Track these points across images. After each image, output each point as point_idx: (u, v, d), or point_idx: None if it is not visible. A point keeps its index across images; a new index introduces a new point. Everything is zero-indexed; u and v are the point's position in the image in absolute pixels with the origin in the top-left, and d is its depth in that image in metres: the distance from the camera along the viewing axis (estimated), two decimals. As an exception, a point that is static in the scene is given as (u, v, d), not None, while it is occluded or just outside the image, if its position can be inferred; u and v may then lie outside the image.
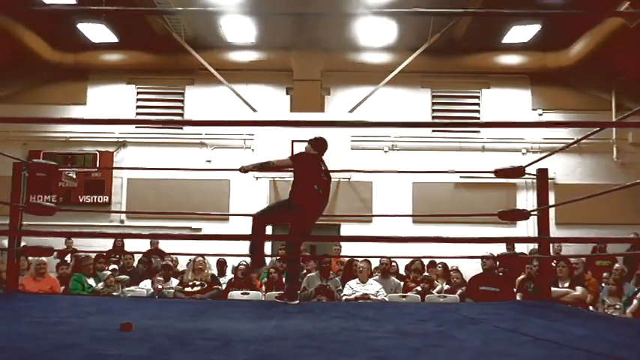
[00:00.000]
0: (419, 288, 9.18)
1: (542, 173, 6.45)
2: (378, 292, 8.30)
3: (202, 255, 8.68)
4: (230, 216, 13.30)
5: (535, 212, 6.40)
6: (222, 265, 10.81)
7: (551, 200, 6.85)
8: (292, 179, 6.47)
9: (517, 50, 13.74)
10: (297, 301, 6.21)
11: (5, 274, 6.77)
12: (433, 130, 14.34)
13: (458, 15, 12.26)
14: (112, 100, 14.64)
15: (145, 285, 9.38)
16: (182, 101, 14.78)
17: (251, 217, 6.25)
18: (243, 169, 6.43)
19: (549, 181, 6.65)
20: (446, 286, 9.61)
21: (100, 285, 8.90)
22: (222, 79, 13.59)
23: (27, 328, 3.78)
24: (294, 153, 6.93)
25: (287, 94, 14.49)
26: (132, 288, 9.21)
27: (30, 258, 9.57)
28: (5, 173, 6.71)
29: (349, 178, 13.46)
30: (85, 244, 12.42)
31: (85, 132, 14.25)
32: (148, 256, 11.08)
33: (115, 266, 10.39)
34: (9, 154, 6.43)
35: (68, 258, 11.44)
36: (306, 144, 6.68)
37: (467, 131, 14.36)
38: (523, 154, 13.99)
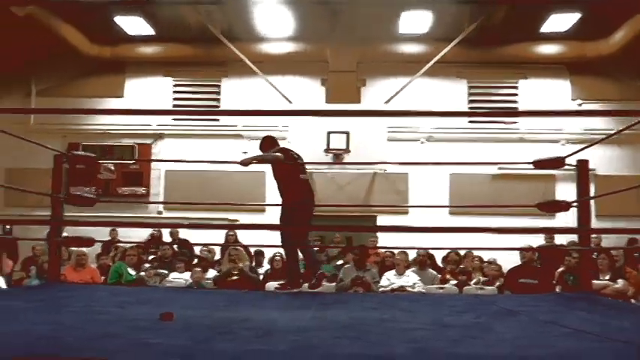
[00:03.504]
0: (456, 280, 9.14)
1: (583, 164, 6.36)
2: (415, 283, 8.29)
3: (237, 246, 8.75)
4: (266, 206, 13.37)
5: (575, 203, 6.32)
6: (259, 255, 10.87)
7: (591, 192, 6.75)
8: (277, 178, 6.65)
9: (555, 39, 13.53)
10: (299, 289, 6.41)
11: (47, 264, 6.89)
12: (470, 121, 14.21)
13: (495, 3, 12.13)
14: (149, 92, 14.78)
15: (183, 275, 9.48)
16: (218, 93, 14.86)
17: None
18: (244, 163, 6.46)
19: (590, 172, 6.55)
20: (483, 279, 9.55)
21: (142, 274, 9.03)
22: (258, 71, 13.62)
23: (69, 317, 3.85)
24: (278, 148, 6.87)
25: (322, 85, 14.47)
26: (170, 278, 9.31)
27: (71, 248, 9.75)
28: (46, 165, 6.82)
29: (385, 170, 13.41)
30: (124, 234, 12.64)
31: (122, 124, 14.40)
32: (170, 246, 11.14)
33: (154, 256, 10.51)
34: (49, 146, 6.53)
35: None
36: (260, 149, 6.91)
37: (504, 122, 14.20)
38: (562, 145, 13.78)
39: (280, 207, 6.69)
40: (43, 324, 3.49)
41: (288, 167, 6.52)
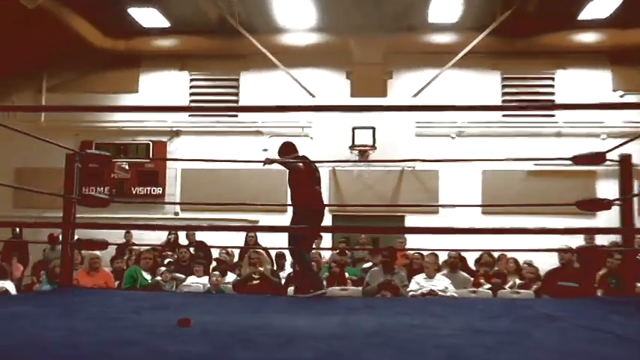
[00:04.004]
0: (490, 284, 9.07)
1: (626, 159, 6.27)
2: (446, 287, 8.24)
3: (258, 248, 8.76)
4: (288, 207, 13.38)
5: (617, 201, 6.24)
6: (281, 258, 10.88)
7: (635, 189, 6.67)
8: (292, 184, 6.90)
9: (595, 27, 13.38)
10: (322, 290, 6.43)
11: (59, 268, 6.93)
12: (504, 115, 14.13)
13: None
14: (164, 87, 14.87)
15: (201, 280, 9.50)
16: (237, 87, 14.91)
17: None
18: (267, 162, 6.78)
19: (633, 168, 6.46)
20: (519, 282, 9.47)
21: (157, 278, 9.07)
22: (279, 64, 13.64)
23: (83, 323, 3.87)
24: (297, 155, 7.14)
25: (347, 78, 14.46)
26: (187, 283, 9.34)
27: (83, 252, 9.82)
28: (58, 165, 6.86)
29: (414, 167, 13.38)
30: (138, 237, 12.69)
31: (137, 121, 14.51)
32: (187, 249, 11.18)
33: (170, 260, 10.55)
34: (61, 145, 6.56)
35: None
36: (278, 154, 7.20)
37: (541, 115, 14.08)
38: (603, 139, 13.65)
39: (292, 214, 6.85)
40: (56, 330, 3.50)
41: (305, 176, 6.76)
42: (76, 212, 6.36)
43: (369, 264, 10.43)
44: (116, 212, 11.50)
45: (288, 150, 7.13)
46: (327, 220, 13.89)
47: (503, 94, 14.38)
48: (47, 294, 6.76)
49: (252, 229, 11.46)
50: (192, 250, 11.34)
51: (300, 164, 6.77)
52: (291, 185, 6.91)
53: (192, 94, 14.94)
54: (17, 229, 12.72)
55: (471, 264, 10.88)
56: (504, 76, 14.49)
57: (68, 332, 3.44)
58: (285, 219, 13.27)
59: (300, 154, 7.12)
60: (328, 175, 13.91)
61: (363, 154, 12.69)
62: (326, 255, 11.58)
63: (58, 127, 13.97)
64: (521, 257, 10.48)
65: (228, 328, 3.70)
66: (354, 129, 12.47)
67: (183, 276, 9.62)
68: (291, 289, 8.55)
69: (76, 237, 6.63)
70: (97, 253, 8.99)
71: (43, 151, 10.86)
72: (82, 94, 14.39)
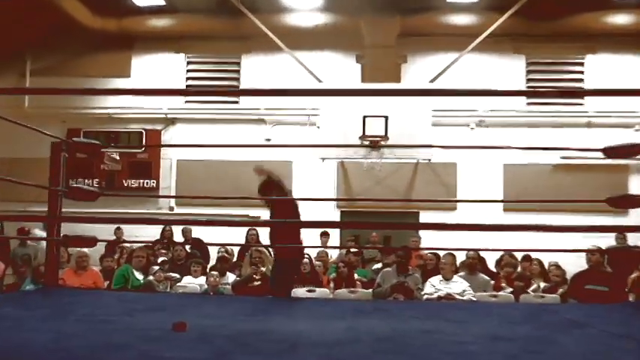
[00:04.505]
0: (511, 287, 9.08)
1: (661, 152, 6.26)
2: (464, 290, 8.24)
3: (260, 247, 8.77)
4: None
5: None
6: (284, 258, 10.89)
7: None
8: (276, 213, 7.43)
9: (629, 8, 13.33)
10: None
11: (44, 267, 6.95)
12: (528, 103, 14.11)
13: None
14: (159, 71, 14.87)
15: (197, 280, 9.53)
16: (237, 72, 14.92)
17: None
18: (257, 168, 7.55)
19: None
20: (543, 285, 9.47)
21: (150, 278, 9.09)
22: (283, 46, 13.62)
23: (72, 326, 3.90)
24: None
25: (357, 62, 14.44)
26: (183, 283, 9.37)
27: (70, 249, 9.86)
28: (43, 154, 6.87)
29: (429, 159, 13.36)
30: (130, 234, 12.71)
31: (129, 107, 14.53)
32: (182, 247, 11.19)
33: (165, 258, 10.58)
34: (46, 132, 6.55)
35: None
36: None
37: (569, 104, 14.04)
38: (636, 130, 13.62)
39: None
40: (43, 333, 3.53)
41: (289, 208, 7.36)
42: (62, 206, 6.38)
43: (380, 265, 10.44)
44: (106, 207, 11.40)
45: (271, 187, 7.62)
46: (335, 217, 13.96)
47: (528, 80, 14.35)
48: (31, 295, 6.80)
49: (253, 224, 11.46)
50: (188, 248, 11.36)
51: (290, 191, 7.50)
52: (274, 211, 7.49)
53: (189, 78, 14.95)
54: (-1, 224, 12.74)
55: (492, 265, 10.87)
56: (529, 60, 14.45)
57: (55, 335, 3.47)
58: (289, 215, 13.33)
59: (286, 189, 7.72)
60: (336, 167, 13.93)
61: (375, 144, 12.67)
62: (333, 254, 11.61)
63: (43, 113, 13.98)
64: (547, 258, 10.47)
65: (227, 332, 3.72)
66: (364, 117, 12.44)
67: (178, 276, 9.64)
68: (300, 291, 8.58)
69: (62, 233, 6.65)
70: (85, 250, 9.02)
71: (26, 140, 10.92)
72: (69, 79, 14.36)
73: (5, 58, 14.26)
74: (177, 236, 12.41)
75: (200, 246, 11.47)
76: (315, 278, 9.40)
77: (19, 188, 6.07)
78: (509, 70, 14.30)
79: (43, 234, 11.55)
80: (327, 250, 11.06)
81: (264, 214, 13.22)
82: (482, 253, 10.31)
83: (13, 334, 3.49)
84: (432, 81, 13.53)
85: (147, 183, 14.44)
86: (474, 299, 8.23)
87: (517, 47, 14.37)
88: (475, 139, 13.84)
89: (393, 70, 13.94)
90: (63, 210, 6.41)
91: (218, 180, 13.50)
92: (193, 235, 12.20)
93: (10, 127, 6.02)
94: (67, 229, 6.69)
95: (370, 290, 8.85)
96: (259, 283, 8.51)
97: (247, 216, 13.41)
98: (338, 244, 13.21)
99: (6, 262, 11.17)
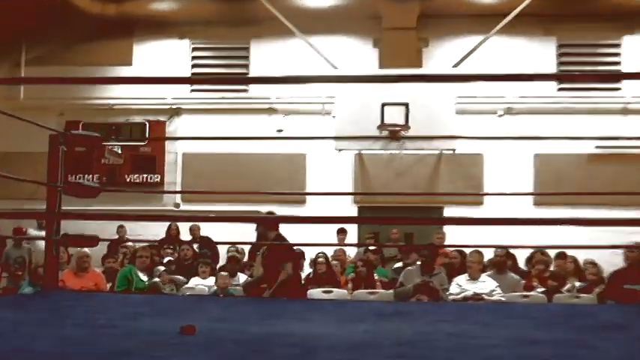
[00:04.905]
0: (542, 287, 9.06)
1: None
2: (492, 290, 8.22)
3: (274, 244, 8.76)
4: (307, 195, 13.42)
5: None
6: (298, 257, 10.90)
7: None
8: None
9: (670, -17, 13.26)
10: None
11: (42, 268, 6.99)
12: (560, 89, 14.04)
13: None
14: (162, 59, 14.89)
15: (206, 281, 9.55)
16: (246, 58, 14.91)
17: None
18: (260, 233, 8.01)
19: None
20: (579, 284, 9.44)
21: (155, 280, 9.12)
22: (296, 30, 13.61)
23: (72, 331, 3.92)
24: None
25: (374, 47, 14.42)
26: (190, 285, 9.40)
27: (70, 249, 9.91)
28: (37, 149, 6.90)
29: (454, 150, 13.32)
30: (133, 232, 12.75)
31: (131, 98, 14.54)
32: (190, 246, 11.20)
33: (171, 258, 10.61)
34: (43, 125, 6.56)
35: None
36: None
37: (604, 89, 13.97)
38: (677, 116, 13.56)
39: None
40: (42, 339, 3.55)
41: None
42: (61, 203, 6.39)
43: (401, 264, 10.42)
44: (107, 203, 11.53)
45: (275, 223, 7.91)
46: (352, 212, 13.95)
47: (559, 64, 14.27)
48: (29, 298, 6.84)
49: (265, 221, 11.43)
50: (196, 247, 11.39)
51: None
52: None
53: (194, 66, 14.97)
54: (-6, 224, 12.80)
55: (522, 263, 10.85)
56: (560, 42, 14.37)
57: (55, 341, 3.49)
58: (304, 210, 13.37)
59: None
60: (353, 159, 13.91)
61: (394, 134, 12.64)
62: (351, 253, 11.60)
63: (40, 105, 14.01)
64: (582, 255, 10.42)
65: (238, 336, 3.73)
66: (383, 105, 12.41)
67: (183, 279, 9.66)
68: (316, 292, 8.60)
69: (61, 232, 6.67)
70: (87, 250, 9.05)
71: (21, 133, 10.98)
72: (66, 68, 14.38)
73: (-1, 47, 14.33)
74: (184, 235, 12.44)
75: (209, 245, 11.49)
76: (331, 278, 9.40)
77: (13, 185, 6.10)
78: (539, 53, 14.22)
79: (38, 234, 11.63)
80: (345, 249, 11.06)
81: (277, 210, 13.29)
82: (511, 251, 10.29)
83: (9, 340, 3.50)
84: (455, 66, 13.48)
85: (150, 178, 14.47)
86: (503, 300, 8.21)
87: (547, 28, 14.29)
88: (503, 127, 13.79)
89: (413, 54, 13.91)
90: (62, 207, 6.43)
91: (226, 174, 13.52)
92: (201, 234, 12.23)
93: (5, 119, 6.05)
94: (67, 227, 6.71)
95: (391, 291, 8.84)
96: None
97: (258, 212, 13.41)
98: (356, 242, 13.19)
99: (0, 264, 11.25)
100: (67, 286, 8.24)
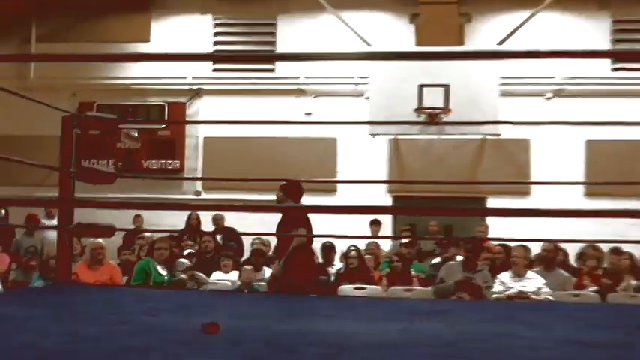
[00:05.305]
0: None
1: None
2: (539, 288, 8.18)
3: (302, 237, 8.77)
4: (338, 183, 13.40)
5: None
6: (328, 250, 10.88)
7: None
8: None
9: None
10: None
11: (54, 260, 7.02)
12: (614, 69, 13.91)
13: None
14: (182, 35, 14.92)
15: (228, 276, 9.58)
16: (273, 34, 14.91)
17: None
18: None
19: None
20: (635, 282, 9.36)
21: (182, 276, 9.14)
22: (326, 4, 13.59)
23: (86, 327, 3.93)
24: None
25: (411, 22, 14.36)
26: (212, 279, 9.43)
27: (84, 240, 9.97)
28: (47, 132, 6.92)
29: (498, 135, 13.24)
30: (151, 222, 12.80)
31: (149, 77, 14.60)
32: (213, 237, 11.22)
33: (191, 250, 10.64)
34: (55, 106, 6.55)
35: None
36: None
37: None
38: None
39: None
40: (55, 335, 3.57)
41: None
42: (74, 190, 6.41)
43: (439, 259, 10.41)
44: (122, 191, 11.48)
45: (297, 192, 7.93)
46: (387, 202, 13.93)
47: (614, 41, 14.13)
48: (40, 292, 6.89)
49: (294, 210, 11.40)
50: (219, 238, 11.41)
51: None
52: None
53: (217, 43, 14.99)
54: (2, 211, 12.86)
55: (573, 259, 10.79)
56: (615, 18, 14.23)
57: (68, 338, 3.51)
58: (334, 200, 13.37)
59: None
60: (388, 145, 13.88)
61: (433, 118, 12.59)
62: (385, 246, 11.59)
63: (52, 85, 14.10)
64: (639, 251, 10.33)
65: (264, 334, 3.73)
66: (421, 87, 12.38)
67: (204, 276, 9.69)
68: (347, 288, 8.60)
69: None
70: (101, 241, 9.10)
71: (32, 115, 11.03)
72: (79, 44, 14.46)
73: (7, 22, 14.41)
74: (205, 225, 12.47)
75: (233, 236, 11.52)
76: (364, 274, 9.40)
77: (22, 171, 6.12)
78: (592, 30, 14.10)
79: (47, 223, 11.69)
80: (379, 242, 11.05)
81: (305, 199, 13.25)
82: (560, 245, 10.23)
83: (19, 337, 3.53)
84: (500, 43, 13.39)
85: (169, 164, 14.53)
86: (552, 299, 8.17)
87: (601, 3, 14.16)
88: (552, 111, 13.70)
89: (454, 30, 13.85)
90: (75, 195, 6.44)
91: (251, 160, 13.53)
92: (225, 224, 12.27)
93: (14, 100, 6.09)
94: (80, 216, 6.73)
95: (429, 288, 8.83)
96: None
97: (285, 202, 13.43)
98: (390, 235, 13.17)
99: (11, 254, 11.32)
100: (80, 280, 8.30)
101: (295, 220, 7.54)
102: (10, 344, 3.31)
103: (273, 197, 12.84)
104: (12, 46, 14.92)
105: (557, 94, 13.99)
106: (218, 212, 12.38)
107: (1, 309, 4.76)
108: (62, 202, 6.44)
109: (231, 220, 12.10)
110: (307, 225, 7.65)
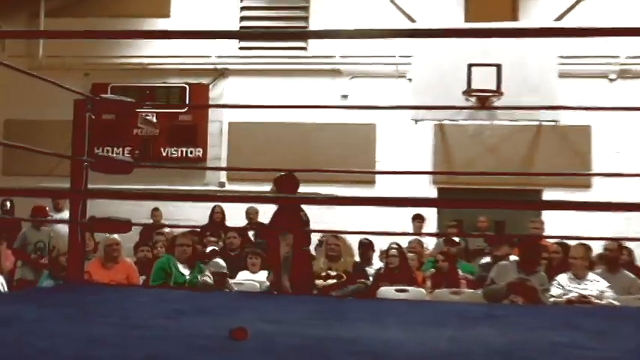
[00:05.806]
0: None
1: None
2: (602, 292, 8.12)
3: (337, 233, 8.76)
4: (377, 174, 13.38)
5: None
6: (366, 248, 10.86)
7: None
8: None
9: None
10: None
11: (65, 257, 7.06)
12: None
13: None
14: (205, 11, 14.93)
15: (256, 276, 9.59)
16: (306, 9, 14.89)
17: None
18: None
19: None
20: None
21: (205, 279, 9.11)
22: (365, -24, 13.60)
23: (100, 331, 3.95)
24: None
25: (460, -4, 14.34)
26: (238, 279, 9.44)
27: (97, 235, 10.01)
28: (62, 116, 6.92)
29: (556, 122, 13.16)
30: (171, 216, 12.85)
31: (168, 57, 14.64)
32: (238, 233, 11.23)
33: (215, 247, 10.66)
34: (67, 87, 6.52)
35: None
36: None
37: None
38: None
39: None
40: (65, 340, 3.59)
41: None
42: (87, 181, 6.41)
43: (489, 258, 10.36)
44: (139, 182, 11.57)
45: (292, 186, 7.92)
46: (432, 194, 13.89)
47: (687, 16, 14.03)
48: (50, 292, 6.93)
49: (330, 203, 11.36)
50: (251, 234, 11.42)
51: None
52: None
53: (243, 18, 14.99)
54: (7, 203, 12.89)
55: (639, 260, 10.72)
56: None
57: (81, 343, 3.53)
58: (372, 192, 13.34)
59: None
60: (433, 131, 13.84)
61: (484, 102, 12.54)
62: (430, 244, 11.55)
63: (62, 64, 14.20)
64: None
65: (296, 341, 3.73)
66: (470, 66, 12.33)
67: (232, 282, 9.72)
68: (387, 291, 8.58)
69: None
70: (117, 237, 9.13)
71: (41, 97, 11.10)
72: (92, 20, 14.49)
73: (14, -4, 14.51)
74: (230, 220, 12.48)
75: (264, 233, 11.53)
76: (406, 274, 9.37)
77: (31, 159, 6.12)
78: (662, 3, 14.00)
79: (55, 216, 11.73)
80: (422, 239, 11.03)
81: (341, 191, 13.28)
82: (626, 244, 10.15)
83: (27, 341, 3.54)
84: (558, 19, 13.30)
85: (191, 152, 14.57)
86: (616, 303, 8.11)
87: (671, -26, 14.06)
88: (615, 94, 13.58)
89: (507, 5, 13.80)
90: (88, 186, 6.43)
91: (281, 148, 13.55)
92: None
93: (21, 81, 6.12)
94: (92, 209, 6.74)
95: (479, 291, 8.79)
96: (335, 280, 8.53)
97: (318, 194, 13.39)
98: (435, 231, 13.14)
99: (15, 250, 11.35)
100: (93, 279, 8.34)
101: (287, 213, 7.72)
102: (18, 349, 3.33)
103: (305, 189, 12.97)
104: (19, 22, 15.01)
105: (622, 75, 13.88)
106: (252, 205, 12.36)
107: (8, 310, 4.79)
108: (74, 193, 6.44)
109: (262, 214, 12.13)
110: (301, 223, 7.83)
